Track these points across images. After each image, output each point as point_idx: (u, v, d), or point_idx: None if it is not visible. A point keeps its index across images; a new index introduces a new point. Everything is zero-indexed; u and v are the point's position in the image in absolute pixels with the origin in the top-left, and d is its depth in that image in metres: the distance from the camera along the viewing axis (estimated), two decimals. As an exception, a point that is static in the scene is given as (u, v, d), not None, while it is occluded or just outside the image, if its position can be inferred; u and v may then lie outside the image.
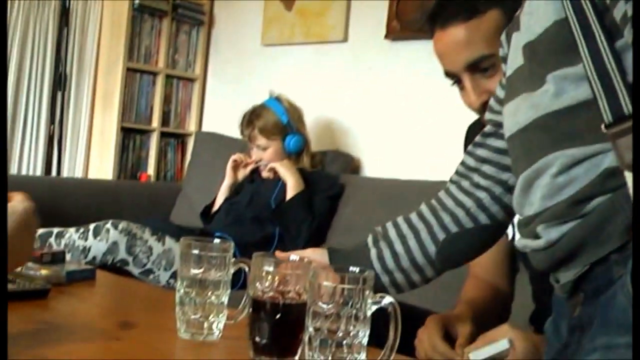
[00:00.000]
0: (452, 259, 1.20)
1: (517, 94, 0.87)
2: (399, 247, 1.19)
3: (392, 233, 1.21)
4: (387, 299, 0.97)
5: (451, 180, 1.25)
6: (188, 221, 3.30)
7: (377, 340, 1.11)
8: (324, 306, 0.95)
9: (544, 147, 0.81)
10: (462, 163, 1.24)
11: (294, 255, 1.19)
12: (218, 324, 1.17)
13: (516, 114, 0.86)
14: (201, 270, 1.16)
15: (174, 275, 2.59)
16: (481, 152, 1.19)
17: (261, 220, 3.00)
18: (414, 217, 1.22)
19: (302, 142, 3.15)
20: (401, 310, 0.97)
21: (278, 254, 1.18)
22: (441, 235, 1.18)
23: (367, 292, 0.96)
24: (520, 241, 0.88)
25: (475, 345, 1.28)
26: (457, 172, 1.25)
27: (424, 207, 1.24)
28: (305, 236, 2.92)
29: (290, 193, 2.98)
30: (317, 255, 1.23)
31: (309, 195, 3.00)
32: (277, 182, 3.06)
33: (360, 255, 1.21)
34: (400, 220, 1.23)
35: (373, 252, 1.20)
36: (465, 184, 1.20)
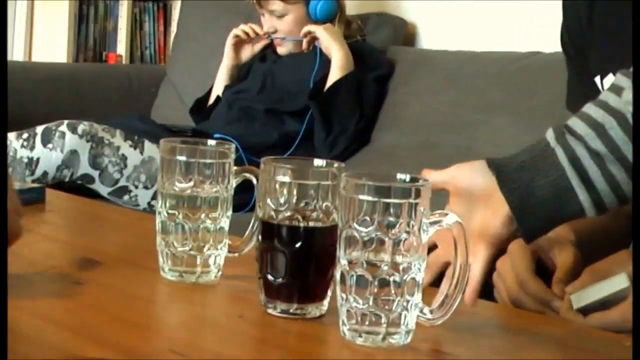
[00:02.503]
0: None
1: None
2: (595, 143, 1.09)
3: (579, 127, 1.11)
4: (451, 217, 0.96)
5: None
6: (176, 119, 3.30)
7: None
8: (362, 229, 0.94)
9: None
10: None
11: (437, 175, 1.15)
12: (216, 258, 1.17)
13: None
14: (190, 184, 1.16)
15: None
16: None
17: (279, 114, 3.00)
18: (611, 98, 1.12)
19: (334, 7, 3.10)
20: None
21: (426, 172, 1.14)
22: None
23: (421, 209, 0.95)
24: None
25: (581, 283, 1.27)
26: None
27: (619, 77, 1.15)
28: (351, 134, 2.92)
29: (336, 73, 2.96)
30: (466, 173, 1.15)
31: (358, 79, 2.98)
32: (314, 56, 3.03)
33: (542, 162, 1.11)
34: (588, 108, 1.13)
35: (560, 152, 1.10)
36: None
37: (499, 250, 1.17)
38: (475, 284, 1.09)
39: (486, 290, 1.28)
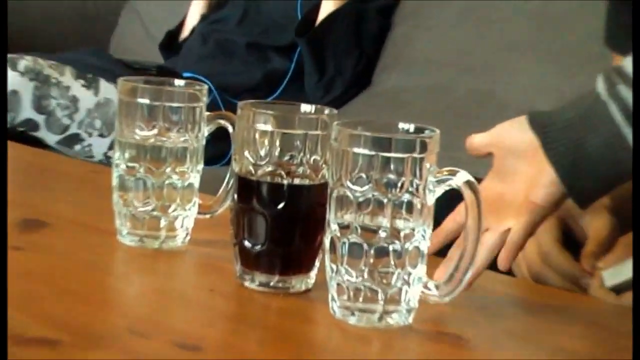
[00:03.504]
0: None
1: None
2: None
3: (629, 65, 1.12)
4: (462, 175, 0.96)
5: None
6: (139, 54, 3.30)
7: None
8: (357, 188, 0.95)
9: None
10: None
11: (479, 138, 1.18)
12: (184, 220, 1.18)
13: None
14: (154, 131, 1.16)
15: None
16: None
17: (263, 49, 3.00)
18: None
19: None
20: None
21: (471, 141, 1.18)
22: None
23: (427, 165, 0.95)
24: None
25: (615, 257, 1.28)
26: None
27: None
28: (349, 76, 2.92)
29: (330, 3, 2.96)
30: (509, 131, 1.18)
31: (357, 10, 2.98)
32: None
33: (594, 119, 1.12)
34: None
35: (613, 107, 1.11)
36: None
37: (547, 213, 1.17)
38: (511, 246, 1.12)
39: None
